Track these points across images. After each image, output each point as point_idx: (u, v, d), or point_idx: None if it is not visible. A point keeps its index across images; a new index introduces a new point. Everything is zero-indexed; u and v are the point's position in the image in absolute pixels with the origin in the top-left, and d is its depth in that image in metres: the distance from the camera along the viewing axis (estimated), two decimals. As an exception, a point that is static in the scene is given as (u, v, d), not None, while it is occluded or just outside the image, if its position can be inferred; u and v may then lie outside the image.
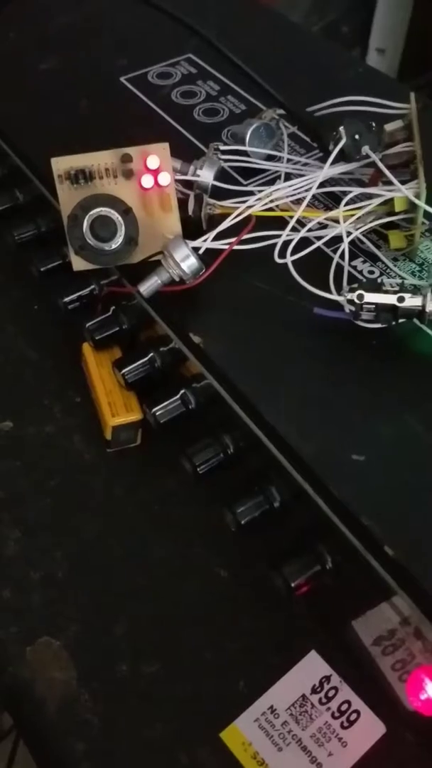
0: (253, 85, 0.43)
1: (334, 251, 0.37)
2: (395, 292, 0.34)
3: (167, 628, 0.36)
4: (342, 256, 0.37)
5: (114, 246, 0.37)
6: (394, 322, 0.34)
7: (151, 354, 0.40)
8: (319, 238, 0.37)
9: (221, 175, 0.40)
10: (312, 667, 0.34)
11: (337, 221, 0.37)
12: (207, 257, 0.36)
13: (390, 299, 0.33)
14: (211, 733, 0.33)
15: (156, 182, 0.37)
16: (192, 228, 0.38)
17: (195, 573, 0.37)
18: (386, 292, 0.34)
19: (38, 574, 0.37)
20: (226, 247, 0.36)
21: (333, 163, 0.38)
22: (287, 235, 0.36)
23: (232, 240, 0.36)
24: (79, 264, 0.37)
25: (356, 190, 0.38)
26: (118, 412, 0.40)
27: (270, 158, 0.43)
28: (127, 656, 0.35)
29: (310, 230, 0.37)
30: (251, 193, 0.39)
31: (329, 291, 0.35)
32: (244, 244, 0.36)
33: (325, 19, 1.20)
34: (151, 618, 0.36)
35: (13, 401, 0.44)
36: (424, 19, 1.19)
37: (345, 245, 0.37)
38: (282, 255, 0.36)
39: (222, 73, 0.51)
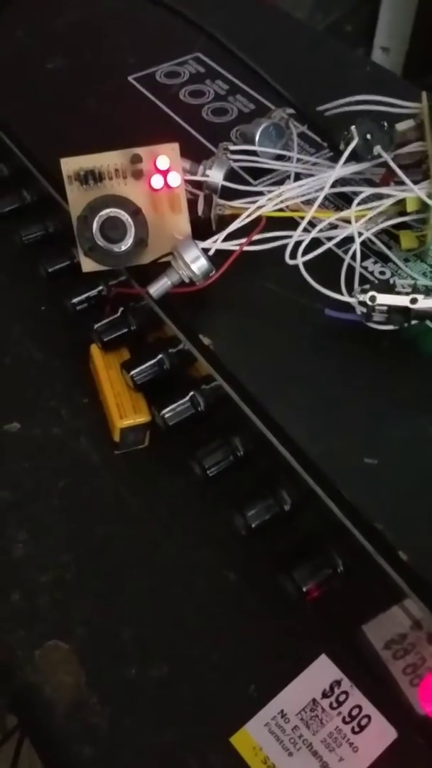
0: (262, 84, 0.43)
1: (345, 252, 0.37)
2: (408, 294, 0.33)
3: (175, 631, 0.36)
4: (353, 257, 0.36)
5: (123, 247, 0.36)
6: (406, 324, 0.34)
7: (160, 355, 0.40)
8: (330, 238, 0.37)
9: (231, 175, 0.40)
10: (322, 671, 0.34)
11: (348, 222, 0.37)
12: (217, 258, 0.35)
13: (403, 300, 0.33)
14: (220, 737, 0.33)
15: (165, 183, 0.37)
16: (202, 229, 0.38)
17: (203, 576, 0.37)
18: (399, 293, 0.33)
19: (46, 577, 0.37)
20: (237, 248, 0.36)
21: (344, 162, 0.38)
22: (298, 236, 0.36)
23: (243, 241, 0.36)
24: (88, 265, 0.37)
25: (368, 190, 0.37)
26: (127, 413, 0.40)
27: (280, 158, 0.42)
28: (135, 660, 0.35)
29: (321, 231, 0.37)
30: (261, 194, 0.38)
31: (340, 292, 0.35)
32: (255, 245, 0.36)
33: (329, 18, 1.20)
34: (159, 621, 0.36)
35: (20, 402, 0.44)
36: (429, 18, 1.19)
37: (356, 246, 0.36)
38: (293, 256, 0.36)
39: (230, 72, 0.50)
